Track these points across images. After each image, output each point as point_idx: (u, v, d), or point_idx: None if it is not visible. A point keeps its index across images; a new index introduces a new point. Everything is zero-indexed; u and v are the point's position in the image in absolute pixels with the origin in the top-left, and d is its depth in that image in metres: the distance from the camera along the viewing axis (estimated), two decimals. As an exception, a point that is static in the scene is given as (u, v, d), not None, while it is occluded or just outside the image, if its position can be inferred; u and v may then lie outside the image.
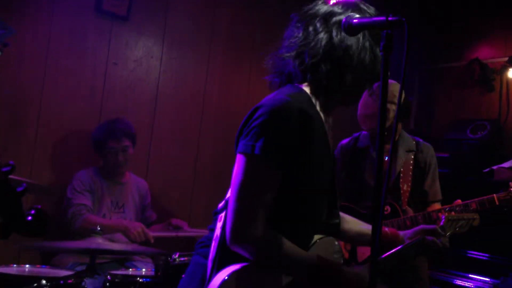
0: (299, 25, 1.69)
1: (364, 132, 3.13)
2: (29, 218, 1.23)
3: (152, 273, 2.68)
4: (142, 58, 3.93)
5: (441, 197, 3.07)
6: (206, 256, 1.60)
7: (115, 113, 3.78)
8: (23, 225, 1.23)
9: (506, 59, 4.50)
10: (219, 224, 1.58)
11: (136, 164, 3.72)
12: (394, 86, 2.92)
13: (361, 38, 1.62)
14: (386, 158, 3.06)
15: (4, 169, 1.19)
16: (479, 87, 4.67)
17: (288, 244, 1.52)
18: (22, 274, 2.61)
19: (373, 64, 1.64)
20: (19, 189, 1.22)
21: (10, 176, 1.20)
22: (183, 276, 1.72)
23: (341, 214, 1.88)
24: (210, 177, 4.21)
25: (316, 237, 1.68)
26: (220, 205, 1.63)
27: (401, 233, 2.05)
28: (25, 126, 3.47)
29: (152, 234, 3.31)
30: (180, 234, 3.47)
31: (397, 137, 3.02)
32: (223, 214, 1.58)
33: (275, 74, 1.76)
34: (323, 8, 1.68)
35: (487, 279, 3.72)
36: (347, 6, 1.66)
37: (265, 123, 1.49)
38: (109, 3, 3.71)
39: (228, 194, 1.58)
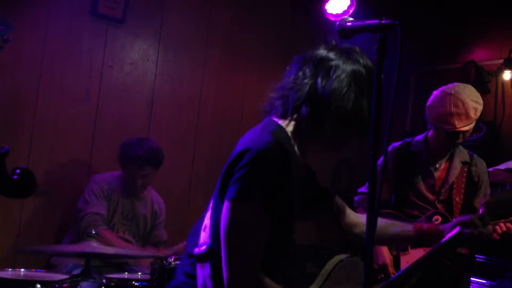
0: (293, 69, 1.72)
1: (418, 138, 3.07)
2: (15, 177, 1.22)
3: (148, 276, 2.67)
4: (138, 61, 3.93)
5: None
6: None
7: (111, 116, 3.78)
8: (9, 185, 1.21)
9: (502, 61, 4.51)
10: (201, 272, 1.58)
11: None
12: (472, 88, 2.93)
13: (346, 87, 1.62)
14: (441, 165, 3.01)
15: None
16: (474, 89, 4.68)
17: None
18: (17, 278, 2.59)
19: (356, 114, 1.62)
20: (2, 151, 1.21)
21: None
22: None
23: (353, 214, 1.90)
24: (206, 179, 4.21)
25: (339, 257, 1.69)
26: (198, 249, 1.61)
27: (441, 227, 2.05)
28: (20, 128, 3.46)
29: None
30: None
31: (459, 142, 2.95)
32: (207, 264, 1.57)
33: (265, 111, 1.78)
34: (318, 53, 1.70)
35: (483, 281, 3.72)
36: (340, 53, 1.68)
37: (254, 170, 1.50)
38: (104, 6, 3.70)
39: (202, 238, 1.59)
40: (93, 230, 2.58)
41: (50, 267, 3.25)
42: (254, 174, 1.50)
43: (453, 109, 2.81)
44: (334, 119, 1.62)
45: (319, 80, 1.62)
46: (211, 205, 1.66)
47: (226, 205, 1.51)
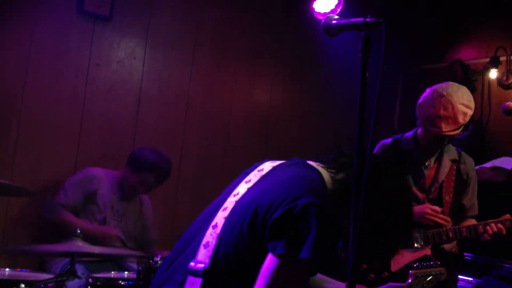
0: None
1: (407, 134, 3.04)
2: None
3: (135, 275, 2.66)
4: (125, 59, 3.90)
5: (477, 212, 3.01)
6: None
7: (98, 115, 3.76)
8: None
9: (488, 60, 4.54)
10: (190, 286, 1.54)
11: (119, 165, 3.68)
12: (466, 90, 2.88)
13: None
14: (430, 164, 2.98)
15: None
16: (468, 91, 4.70)
17: None
18: (2, 278, 2.57)
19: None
20: None
21: None
22: None
23: None
24: (194, 178, 4.20)
25: None
26: (194, 265, 1.56)
27: None
28: (6, 128, 3.43)
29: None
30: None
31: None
32: (198, 280, 1.53)
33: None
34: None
35: (470, 278, 3.74)
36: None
37: (319, 228, 1.45)
38: (91, 4, 3.67)
39: (202, 255, 1.56)
40: (78, 230, 2.56)
41: (42, 265, 3.26)
42: (320, 233, 1.44)
43: (442, 112, 2.76)
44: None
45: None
46: (220, 224, 1.60)
47: (282, 257, 1.44)
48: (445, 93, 2.81)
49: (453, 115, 2.76)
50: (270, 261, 1.47)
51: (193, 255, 1.60)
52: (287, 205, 1.48)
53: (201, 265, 1.55)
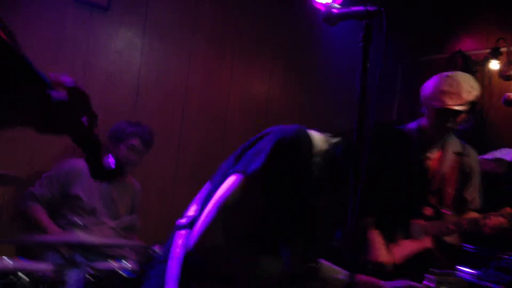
0: None
1: (410, 125, 3.01)
2: (112, 166, 1.33)
3: (134, 266, 2.66)
4: (123, 49, 3.88)
5: (479, 205, 2.99)
6: (160, 276, 1.58)
7: (95, 106, 3.71)
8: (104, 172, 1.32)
9: (489, 50, 4.53)
10: (179, 242, 1.56)
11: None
12: (472, 77, 2.87)
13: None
14: (432, 155, 2.93)
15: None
16: (475, 80, 4.69)
17: None
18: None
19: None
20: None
21: None
22: None
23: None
24: (192, 169, 4.19)
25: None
26: (182, 221, 1.61)
27: (383, 283, 2.02)
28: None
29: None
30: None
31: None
32: (184, 232, 1.55)
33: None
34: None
35: (469, 270, 3.74)
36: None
37: (272, 148, 1.54)
38: (88, -7, 3.65)
39: (191, 211, 1.58)
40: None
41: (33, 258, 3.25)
42: (270, 152, 1.51)
43: (445, 87, 2.76)
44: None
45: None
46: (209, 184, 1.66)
47: (237, 172, 1.54)
48: (450, 74, 2.83)
49: (456, 92, 2.75)
50: (229, 177, 1.56)
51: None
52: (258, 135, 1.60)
53: (189, 216, 1.60)
